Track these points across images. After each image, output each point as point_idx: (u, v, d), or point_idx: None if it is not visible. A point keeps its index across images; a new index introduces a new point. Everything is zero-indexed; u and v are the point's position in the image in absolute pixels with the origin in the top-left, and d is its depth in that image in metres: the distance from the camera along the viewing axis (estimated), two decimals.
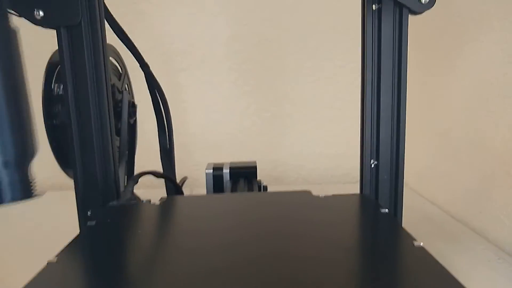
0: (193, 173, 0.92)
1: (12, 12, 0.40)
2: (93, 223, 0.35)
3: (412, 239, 0.31)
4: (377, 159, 0.45)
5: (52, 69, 0.54)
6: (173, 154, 0.64)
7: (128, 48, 0.56)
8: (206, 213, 0.37)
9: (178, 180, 0.77)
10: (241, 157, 0.95)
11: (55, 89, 0.54)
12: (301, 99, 0.94)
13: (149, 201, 0.52)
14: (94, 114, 0.44)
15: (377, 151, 0.45)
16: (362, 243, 0.32)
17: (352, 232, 0.33)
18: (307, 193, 0.41)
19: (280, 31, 0.92)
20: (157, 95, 0.60)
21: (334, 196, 0.40)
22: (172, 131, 0.63)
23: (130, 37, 0.57)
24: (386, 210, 0.36)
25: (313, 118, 0.95)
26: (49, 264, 0.28)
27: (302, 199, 0.40)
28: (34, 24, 0.40)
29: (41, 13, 0.40)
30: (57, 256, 0.29)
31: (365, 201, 0.40)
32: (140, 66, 0.58)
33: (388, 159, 0.45)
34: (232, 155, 0.96)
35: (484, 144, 0.63)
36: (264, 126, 0.96)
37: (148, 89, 0.60)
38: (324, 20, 0.92)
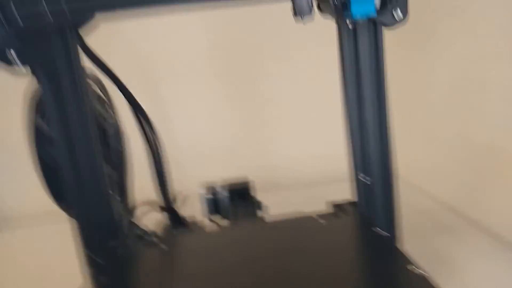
0: (184, 185, 0.93)
1: None
2: (107, 278, 0.35)
3: (409, 263, 0.31)
4: (366, 172, 0.46)
5: (34, 104, 0.54)
6: (167, 177, 0.64)
7: (108, 77, 0.56)
8: (216, 254, 0.38)
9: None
10: (233, 165, 0.96)
11: (39, 124, 0.54)
12: (287, 102, 0.95)
13: (154, 234, 0.53)
14: (84, 151, 0.44)
15: (364, 165, 0.46)
16: (361, 271, 0.33)
17: (352, 260, 0.35)
18: (310, 219, 0.43)
19: (259, 36, 0.92)
20: (144, 121, 0.60)
21: (335, 220, 0.42)
22: (163, 156, 0.63)
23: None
24: (387, 234, 0.38)
25: (300, 120, 0.96)
26: None
27: (305, 227, 0.41)
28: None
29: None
30: None
31: (362, 223, 0.41)
32: (122, 94, 0.58)
33: (378, 172, 0.46)
34: (222, 164, 0.96)
35: (472, 138, 0.64)
36: (252, 131, 0.97)
37: (134, 116, 0.60)
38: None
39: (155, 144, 0.61)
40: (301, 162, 0.98)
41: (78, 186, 0.44)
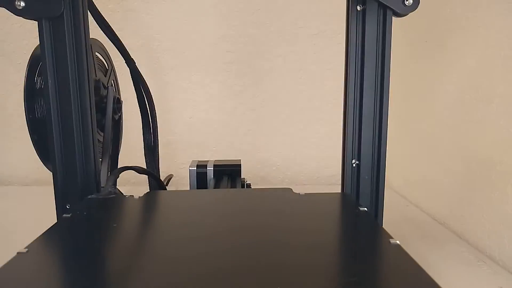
0: (179, 172, 0.92)
1: None
2: (69, 215, 0.34)
3: (389, 237, 0.31)
4: (359, 159, 0.45)
5: (35, 63, 0.54)
6: (157, 151, 0.63)
7: (113, 43, 0.55)
8: (184, 208, 0.37)
9: (163, 178, 0.76)
10: (228, 156, 0.95)
11: (38, 82, 0.54)
12: (289, 101, 0.95)
13: (132, 196, 0.52)
14: (75, 108, 0.43)
15: (358, 151, 0.45)
16: (339, 240, 0.32)
17: (329, 229, 0.33)
18: (288, 191, 0.41)
19: (269, 33, 0.92)
20: (142, 91, 0.59)
21: (314, 194, 0.40)
22: (157, 128, 0.63)
23: (119, 35, 0.57)
24: (365, 209, 0.36)
25: (300, 120, 0.95)
26: (18, 254, 0.27)
27: (282, 196, 0.40)
28: (15, 14, 0.40)
29: (22, 3, 0.39)
30: (27, 247, 0.28)
31: (344, 200, 0.40)
32: (125, 61, 0.58)
33: (369, 159, 0.45)
34: (219, 154, 0.95)
35: (467, 150, 0.64)
36: (252, 126, 0.96)
37: (133, 84, 0.59)
38: (313, 24, 0.92)
39: (151, 115, 0.61)
40: (296, 162, 0.97)
41: (64, 143, 0.43)
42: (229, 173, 0.59)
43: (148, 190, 0.64)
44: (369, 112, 0.45)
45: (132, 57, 0.60)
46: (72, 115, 0.43)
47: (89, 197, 0.40)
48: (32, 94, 0.53)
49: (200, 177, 0.58)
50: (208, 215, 0.35)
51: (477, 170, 0.61)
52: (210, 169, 0.59)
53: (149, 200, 0.39)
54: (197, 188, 0.58)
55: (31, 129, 0.53)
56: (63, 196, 0.43)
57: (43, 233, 0.31)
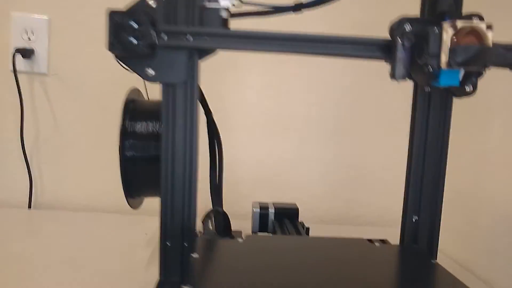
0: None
1: (127, 68, 0.48)
2: (197, 255, 0.41)
3: None
4: (418, 215, 0.53)
5: (127, 108, 0.61)
6: (222, 190, 0.70)
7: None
8: (289, 254, 0.44)
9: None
10: (263, 194, 1.02)
11: (129, 126, 0.61)
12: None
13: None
14: (183, 155, 0.50)
15: (419, 208, 0.53)
16: None
17: (411, 282, 0.40)
18: (363, 242, 0.49)
19: (303, 91, 1.01)
20: (215, 140, 0.67)
21: (388, 245, 0.48)
22: (223, 170, 0.69)
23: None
24: (437, 261, 0.44)
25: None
26: None
27: (360, 247, 0.47)
28: (145, 80, 0.48)
29: (152, 72, 0.47)
30: (190, 284, 0.35)
31: (416, 252, 0.47)
32: (204, 112, 0.65)
33: (427, 216, 0.53)
34: (255, 192, 1.03)
35: (493, 205, 0.72)
36: (284, 169, 1.04)
37: (207, 133, 0.67)
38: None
39: (219, 159, 0.68)
40: (325, 201, 1.05)
41: (171, 182, 0.50)
42: (288, 216, 0.67)
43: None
44: (428, 174, 0.53)
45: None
46: (181, 160, 0.50)
47: (199, 237, 0.47)
48: (124, 135, 0.60)
49: (262, 218, 0.66)
50: (310, 263, 0.42)
51: (503, 223, 0.69)
52: (271, 211, 0.66)
53: (255, 244, 0.46)
54: (260, 228, 0.66)
55: (123, 167, 0.60)
56: (167, 233, 0.50)
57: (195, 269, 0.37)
